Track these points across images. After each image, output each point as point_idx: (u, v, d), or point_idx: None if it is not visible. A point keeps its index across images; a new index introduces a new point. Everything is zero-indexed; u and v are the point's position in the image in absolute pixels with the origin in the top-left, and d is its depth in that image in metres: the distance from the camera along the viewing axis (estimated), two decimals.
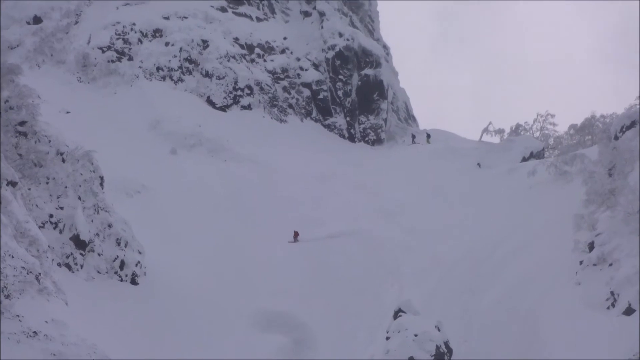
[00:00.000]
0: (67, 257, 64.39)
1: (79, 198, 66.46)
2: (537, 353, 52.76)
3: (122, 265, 66.07)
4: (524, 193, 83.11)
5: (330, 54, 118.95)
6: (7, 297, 53.87)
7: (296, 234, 72.59)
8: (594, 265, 63.10)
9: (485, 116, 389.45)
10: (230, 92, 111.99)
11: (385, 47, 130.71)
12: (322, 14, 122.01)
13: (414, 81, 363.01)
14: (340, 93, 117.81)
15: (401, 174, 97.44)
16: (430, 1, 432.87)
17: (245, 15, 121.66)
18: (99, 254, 65.69)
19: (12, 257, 55.85)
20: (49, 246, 61.24)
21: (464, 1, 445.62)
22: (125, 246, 66.90)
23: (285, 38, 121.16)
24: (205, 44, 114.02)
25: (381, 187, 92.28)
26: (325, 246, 77.69)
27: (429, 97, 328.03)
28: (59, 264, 62.83)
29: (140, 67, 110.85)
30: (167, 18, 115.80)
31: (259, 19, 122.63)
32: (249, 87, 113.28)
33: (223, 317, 64.01)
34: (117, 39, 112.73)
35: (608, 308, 58.83)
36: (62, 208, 65.67)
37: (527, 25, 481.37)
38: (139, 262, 66.89)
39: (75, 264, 64.62)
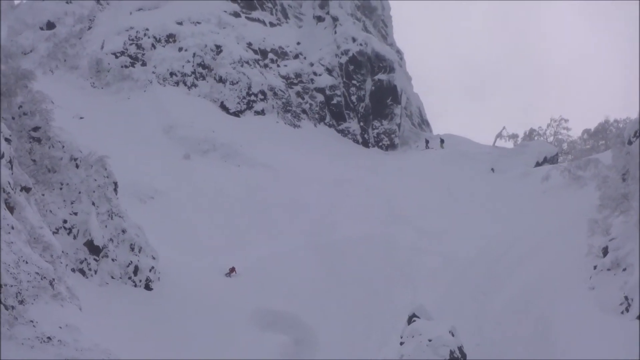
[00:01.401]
0: (81, 262, 64.64)
1: (93, 203, 66.71)
2: (549, 356, 52.84)
3: (136, 270, 66.28)
4: (538, 197, 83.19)
5: (344, 59, 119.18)
6: (21, 302, 54.26)
7: (232, 270, 71.65)
8: (608, 269, 63.13)
9: (500, 120, 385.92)
10: (244, 98, 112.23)
11: (398, 51, 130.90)
12: (335, 19, 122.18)
13: (425, 82, 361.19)
14: (353, 98, 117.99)
15: (415, 178, 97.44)
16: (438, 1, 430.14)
17: (258, 20, 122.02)
18: (112, 260, 65.92)
19: (26, 262, 56.21)
20: (62, 252, 61.58)
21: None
22: (139, 251, 67.12)
23: (298, 43, 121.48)
24: (218, 49, 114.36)
25: (395, 192, 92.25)
26: (338, 248, 77.84)
27: (439, 99, 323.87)
28: (72, 270, 63.06)
29: (153, 72, 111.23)
30: (180, 23, 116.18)
31: (272, 24, 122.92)
32: (263, 93, 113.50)
33: (235, 319, 64.10)
34: (131, 44, 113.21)
35: (622, 313, 58.77)
36: (76, 214, 65.95)
37: (540, 26, 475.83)
38: (152, 267, 67.11)
39: (89, 269, 64.88)
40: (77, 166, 67.32)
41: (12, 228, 57.21)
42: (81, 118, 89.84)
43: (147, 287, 66.14)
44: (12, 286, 54.10)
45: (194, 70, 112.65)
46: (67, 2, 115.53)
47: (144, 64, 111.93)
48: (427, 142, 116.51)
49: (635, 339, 52.09)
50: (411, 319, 56.44)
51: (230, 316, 64.46)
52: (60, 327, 54.23)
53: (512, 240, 73.79)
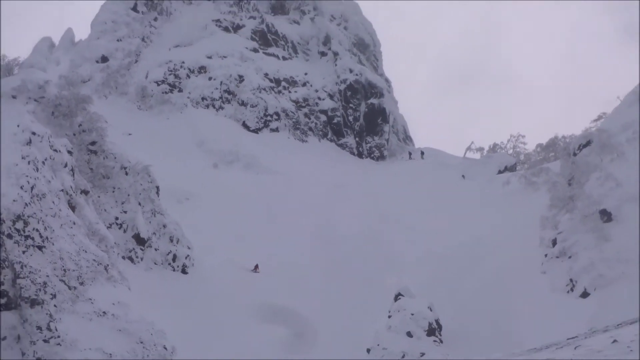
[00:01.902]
0: (130, 251, 64.95)
1: (139, 204, 66.95)
2: (511, 326, 52.95)
3: (175, 258, 66.55)
4: (500, 199, 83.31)
5: (343, 86, 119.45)
6: (82, 283, 54.40)
7: (256, 267, 71.02)
8: (557, 257, 63.48)
9: (469, 135, 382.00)
10: (262, 118, 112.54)
11: (387, 80, 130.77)
12: (335, 54, 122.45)
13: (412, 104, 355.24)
14: (350, 118, 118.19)
15: (400, 184, 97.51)
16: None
17: (273, 55, 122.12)
18: (155, 249, 66.21)
19: (86, 251, 56.36)
20: (115, 242, 61.81)
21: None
22: (177, 242, 67.39)
23: (305, 73, 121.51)
24: (241, 78, 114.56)
25: (384, 195, 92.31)
26: (338, 241, 77.89)
27: (422, 118, 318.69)
28: (123, 257, 63.35)
29: (188, 97, 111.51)
30: (210, 57, 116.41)
31: (284, 58, 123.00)
32: (277, 114, 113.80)
33: (249, 301, 64.34)
34: (170, 74, 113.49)
35: (568, 292, 59.22)
36: (125, 212, 66.23)
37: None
38: (188, 255, 67.38)
39: (137, 257, 65.17)
40: (126, 173, 67.53)
41: (74, 223, 57.35)
42: (129, 134, 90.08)
43: (183, 272, 66.43)
44: (74, 270, 54.23)
45: (221, 95, 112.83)
46: (117, 40, 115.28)
47: (180, 91, 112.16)
48: (410, 154, 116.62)
49: (578, 313, 52.36)
50: (397, 297, 56.68)
51: (246, 298, 64.58)
52: (113, 304, 54.42)
53: (480, 234, 73.88)
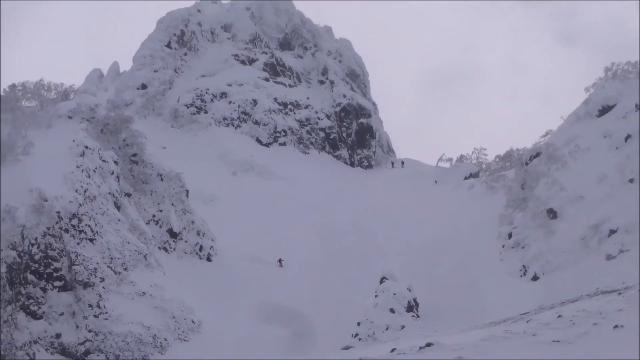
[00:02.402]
0: (164, 243, 64.94)
1: (172, 204, 66.96)
2: (476, 303, 52.91)
3: (201, 248, 66.50)
4: (466, 200, 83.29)
5: (338, 108, 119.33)
6: (125, 269, 54.42)
7: (280, 262, 69.69)
8: (512, 247, 63.60)
9: (440, 147, 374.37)
10: (272, 134, 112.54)
11: (374, 104, 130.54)
12: (332, 82, 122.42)
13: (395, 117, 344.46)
14: (344, 134, 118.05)
15: (385, 188, 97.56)
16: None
17: (281, 83, 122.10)
18: (185, 241, 66.20)
19: (128, 243, 56.40)
20: (152, 236, 61.87)
21: None
22: (203, 236, 67.36)
23: (307, 98, 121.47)
24: (255, 102, 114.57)
25: (372, 197, 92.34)
26: (334, 235, 77.89)
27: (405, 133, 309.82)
28: (159, 248, 63.34)
29: (212, 117, 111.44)
30: (229, 85, 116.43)
31: (290, 86, 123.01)
32: (284, 131, 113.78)
33: (271, 281, 64.33)
34: (197, 99, 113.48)
35: (521, 276, 59.30)
36: (161, 211, 66.25)
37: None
38: (212, 246, 67.32)
39: (170, 247, 65.17)
40: (161, 179, 67.55)
41: (119, 220, 57.38)
42: (164, 148, 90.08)
43: (208, 260, 66.37)
44: (119, 258, 54.24)
45: (239, 116, 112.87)
46: (154, 71, 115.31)
47: (205, 112, 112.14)
48: (392, 163, 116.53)
49: (529, 293, 52.44)
50: (382, 280, 56.63)
51: (260, 279, 64.58)
52: (151, 286, 54.45)
53: (449, 229, 73.85)
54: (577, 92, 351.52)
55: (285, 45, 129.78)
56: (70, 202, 52.60)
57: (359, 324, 52.65)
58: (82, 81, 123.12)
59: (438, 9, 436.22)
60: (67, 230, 51.77)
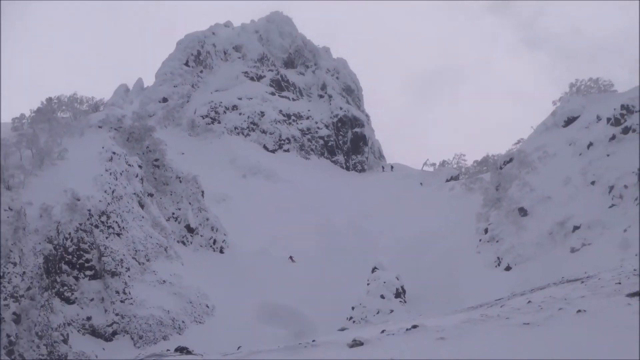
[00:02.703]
0: (183, 237, 64.94)
1: (189, 203, 66.99)
2: (455, 292, 52.94)
3: (214, 242, 66.52)
4: (447, 200, 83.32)
5: (335, 119, 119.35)
6: (148, 260, 54.48)
7: (291, 258, 68.61)
8: (488, 241, 63.66)
9: (425, 152, 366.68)
10: (277, 142, 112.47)
11: (367, 115, 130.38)
12: (330, 96, 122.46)
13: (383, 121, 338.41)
14: (340, 142, 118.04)
15: (376, 189, 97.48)
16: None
17: (285, 97, 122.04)
18: (201, 236, 66.23)
19: (151, 237, 56.42)
20: (172, 231, 61.96)
21: None
22: (216, 231, 67.35)
23: (308, 110, 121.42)
24: (262, 113, 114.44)
25: (365, 197, 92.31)
26: (332, 231, 77.87)
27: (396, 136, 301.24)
28: (177, 241, 63.36)
29: (225, 127, 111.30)
30: (240, 99, 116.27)
31: (293, 99, 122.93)
32: (288, 139, 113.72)
33: (276, 270, 64.29)
34: (211, 111, 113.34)
35: (496, 267, 59.31)
36: (179, 209, 66.25)
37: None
38: (224, 240, 67.35)
39: (187, 241, 65.16)
40: (180, 181, 67.57)
41: (143, 217, 57.43)
42: (182, 154, 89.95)
43: (221, 252, 66.39)
44: (142, 251, 54.26)
45: (248, 125, 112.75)
46: (174, 86, 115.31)
47: (219, 122, 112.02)
48: (383, 167, 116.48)
49: (503, 282, 52.41)
50: (374, 270, 56.59)
51: (268, 267, 64.56)
52: (171, 275, 54.50)
53: (433, 225, 73.94)
54: (542, 92, 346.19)
55: (289, 63, 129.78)
56: (99, 201, 52.64)
57: (353, 308, 52.70)
58: (110, 95, 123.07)
59: (417, 17, 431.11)
60: (97, 226, 51.82)
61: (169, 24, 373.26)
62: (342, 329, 41.25)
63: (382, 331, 18.07)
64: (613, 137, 65.23)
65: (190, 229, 65.45)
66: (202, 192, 69.11)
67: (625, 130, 64.78)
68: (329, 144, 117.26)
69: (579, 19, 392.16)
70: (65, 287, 49.30)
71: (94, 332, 48.66)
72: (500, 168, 73.65)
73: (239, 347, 20.54)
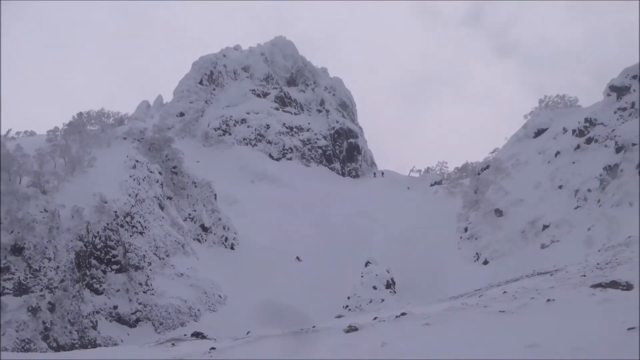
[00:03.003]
0: (198, 235, 64.81)
1: (204, 205, 66.89)
2: (439, 283, 52.82)
3: (226, 239, 66.36)
4: (432, 202, 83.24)
5: (332, 131, 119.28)
6: (167, 256, 54.35)
7: (298, 258, 67.03)
8: (467, 239, 63.60)
9: (412, 159, 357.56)
10: (281, 151, 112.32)
11: (360, 127, 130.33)
12: (327, 111, 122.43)
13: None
14: (337, 151, 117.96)
15: (368, 193, 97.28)
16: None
17: (288, 112, 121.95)
18: (214, 234, 66.07)
19: (170, 235, 56.32)
20: (188, 230, 61.82)
21: None
22: (227, 230, 67.23)
23: (309, 123, 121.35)
24: (268, 126, 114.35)
25: (359, 200, 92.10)
26: (330, 228, 77.66)
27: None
28: (193, 239, 63.18)
29: (235, 138, 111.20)
30: (248, 113, 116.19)
31: (295, 114, 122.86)
32: (290, 149, 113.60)
33: (280, 263, 64.03)
34: (223, 124, 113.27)
35: (475, 261, 59.24)
36: (195, 210, 66.13)
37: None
38: (234, 237, 67.20)
39: (202, 239, 65.02)
40: (195, 186, 67.49)
41: (162, 217, 57.35)
42: (197, 162, 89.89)
43: (232, 248, 66.25)
44: (162, 247, 54.16)
45: (255, 137, 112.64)
46: (190, 102, 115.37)
47: (230, 134, 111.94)
48: (374, 174, 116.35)
49: (481, 274, 52.34)
50: (367, 264, 56.56)
51: (275, 260, 64.33)
52: (187, 268, 54.37)
53: (419, 224, 73.90)
54: (513, 99, 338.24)
55: (291, 82, 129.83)
56: (124, 203, 52.62)
57: (348, 298, 52.65)
58: (133, 110, 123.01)
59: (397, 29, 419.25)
60: (122, 226, 51.77)
61: (185, 45, 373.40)
62: (339, 316, 41.18)
63: (375, 318, 18.09)
64: (578, 147, 65.38)
65: (204, 228, 65.33)
66: (215, 195, 69.03)
67: (589, 141, 64.95)
68: (327, 153, 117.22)
69: (546, 28, 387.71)
70: (94, 280, 49.20)
71: (120, 319, 48.55)
72: (478, 174, 73.69)
73: (248, 332, 20.49)
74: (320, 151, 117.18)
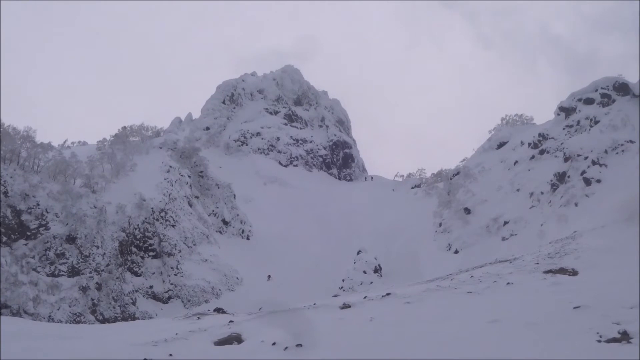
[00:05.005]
0: (219, 228, 64.48)
1: (225, 203, 66.66)
2: (417, 268, 52.58)
3: (243, 231, 66.05)
4: (412, 202, 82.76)
5: (330, 143, 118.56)
6: (194, 244, 54.17)
7: (269, 277, 55.74)
8: (442, 232, 63.27)
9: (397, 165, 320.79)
10: (289, 159, 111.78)
11: (354, 140, 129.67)
12: (327, 126, 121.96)
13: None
14: (335, 159, 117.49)
15: (360, 193, 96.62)
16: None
17: (295, 126, 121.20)
18: (233, 227, 65.76)
19: (197, 228, 56.13)
20: (212, 223, 61.59)
21: None
22: (244, 223, 66.92)
23: (311, 136, 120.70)
24: (278, 138, 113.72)
25: (352, 199, 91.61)
26: (329, 221, 77.27)
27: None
28: (216, 231, 62.85)
29: (251, 148, 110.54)
30: (262, 127, 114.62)
31: (300, 128, 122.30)
32: (296, 157, 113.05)
33: (287, 251, 63.74)
34: (241, 136, 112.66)
35: (447, 251, 58.96)
36: (217, 207, 65.90)
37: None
38: (250, 229, 66.86)
39: (223, 231, 64.68)
40: (218, 187, 67.30)
41: (191, 213, 57.17)
42: (220, 167, 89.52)
43: (247, 239, 65.86)
44: (190, 238, 53.98)
45: (268, 147, 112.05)
46: (214, 118, 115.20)
47: (247, 145, 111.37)
48: (365, 178, 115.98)
49: (452, 262, 52.08)
50: (358, 252, 56.39)
51: (289, 252, 63.91)
52: (211, 255, 54.15)
53: (401, 220, 73.48)
54: (479, 116, 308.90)
55: (297, 102, 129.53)
56: (160, 201, 52.56)
57: (343, 280, 52.52)
58: (168, 124, 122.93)
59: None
60: (157, 219, 51.69)
61: (209, 72, 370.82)
62: (335, 296, 41.06)
63: (365, 297, 18.07)
64: (533, 157, 65.41)
65: (225, 222, 65.19)
66: (234, 195, 68.91)
67: (542, 152, 65.00)
68: (326, 161, 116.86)
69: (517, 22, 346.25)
70: (134, 264, 49.15)
71: (155, 297, 48.45)
72: (451, 179, 73.57)
73: (260, 308, 20.43)
74: (320, 159, 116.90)
